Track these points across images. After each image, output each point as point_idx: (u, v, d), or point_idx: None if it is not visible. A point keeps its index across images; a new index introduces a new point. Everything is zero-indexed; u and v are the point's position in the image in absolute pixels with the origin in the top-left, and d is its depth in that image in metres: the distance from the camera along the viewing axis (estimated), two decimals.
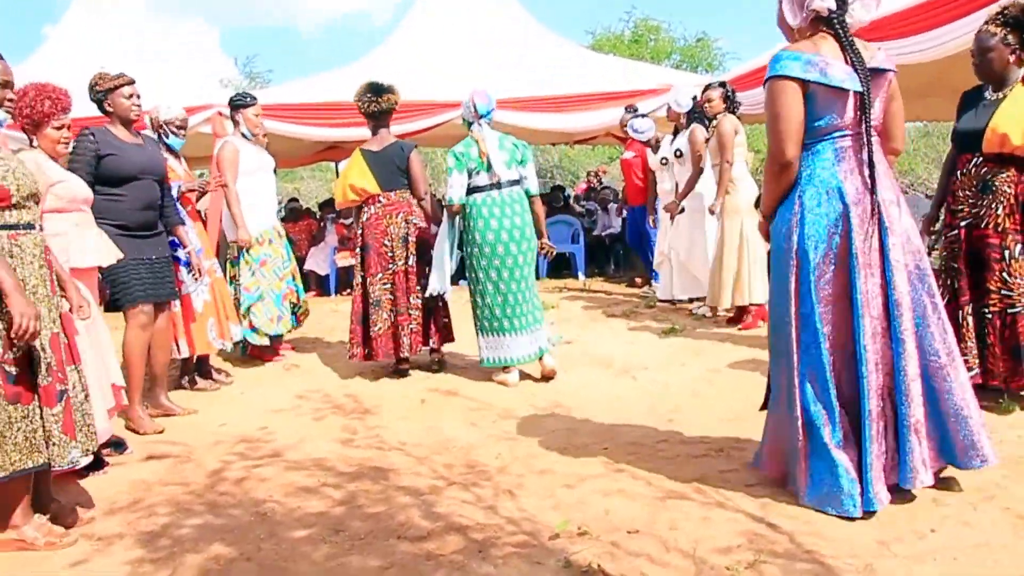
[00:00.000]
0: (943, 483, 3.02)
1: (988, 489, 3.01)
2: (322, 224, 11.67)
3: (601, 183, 14.90)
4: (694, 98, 7.28)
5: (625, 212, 10.43)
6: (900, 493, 2.93)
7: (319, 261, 10.97)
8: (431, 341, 5.63)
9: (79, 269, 3.67)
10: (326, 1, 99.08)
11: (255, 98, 6.07)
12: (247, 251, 5.82)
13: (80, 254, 3.78)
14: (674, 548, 2.69)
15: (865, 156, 2.84)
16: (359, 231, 5.62)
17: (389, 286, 5.47)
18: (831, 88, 2.80)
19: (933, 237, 4.39)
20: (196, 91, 9.29)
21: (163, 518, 3.20)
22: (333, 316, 8.44)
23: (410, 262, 5.48)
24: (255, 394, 5.24)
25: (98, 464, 3.72)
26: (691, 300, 7.74)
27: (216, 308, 5.27)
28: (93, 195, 4.05)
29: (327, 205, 12.88)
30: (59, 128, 3.78)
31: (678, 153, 7.42)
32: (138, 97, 4.47)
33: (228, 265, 6.01)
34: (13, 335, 2.75)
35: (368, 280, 5.49)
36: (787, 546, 2.66)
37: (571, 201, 13.74)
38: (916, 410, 2.85)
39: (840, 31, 2.84)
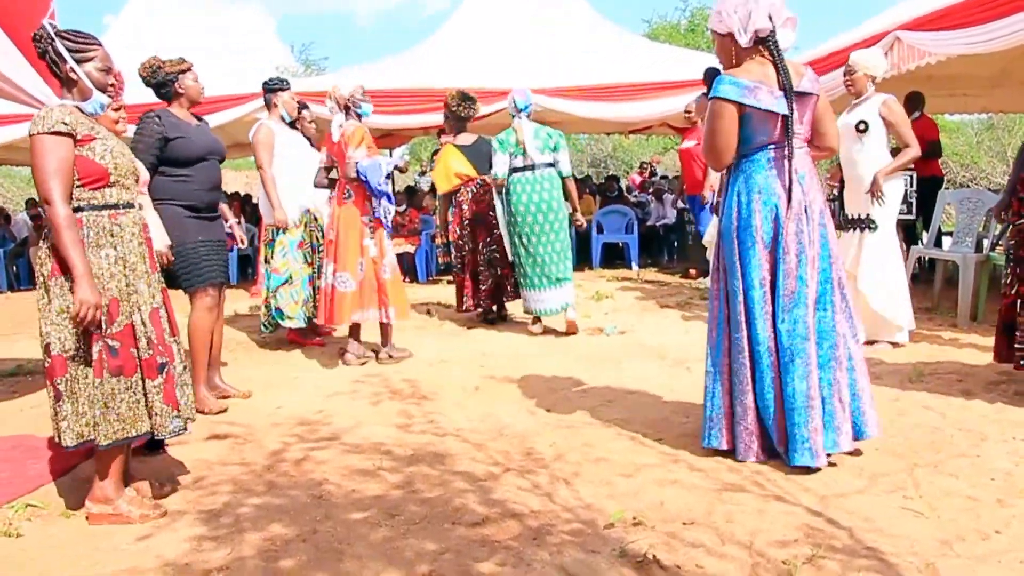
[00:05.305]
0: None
1: None
2: None
3: (654, 173, 14.74)
4: None
5: (683, 203, 10.31)
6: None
7: None
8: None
9: None
10: None
11: (288, 82, 6.20)
12: (283, 232, 5.91)
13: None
14: (730, 540, 2.67)
15: (788, 164, 3.23)
16: (463, 208, 6.91)
17: (496, 246, 6.82)
18: (763, 111, 3.17)
19: (1003, 225, 4.30)
20: (253, 78, 9.40)
21: (224, 496, 3.26)
22: None
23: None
24: (308, 378, 5.32)
25: (159, 443, 3.80)
26: None
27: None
28: (151, 177, 4.16)
29: None
30: (117, 109, 3.89)
31: None
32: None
33: (265, 247, 6.09)
34: (71, 319, 2.82)
35: (480, 245, 6.86)
36: (847, 542, 2.63)
37: (625, 192, 13.63)
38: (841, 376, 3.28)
39: (775, 53, 3.19)
